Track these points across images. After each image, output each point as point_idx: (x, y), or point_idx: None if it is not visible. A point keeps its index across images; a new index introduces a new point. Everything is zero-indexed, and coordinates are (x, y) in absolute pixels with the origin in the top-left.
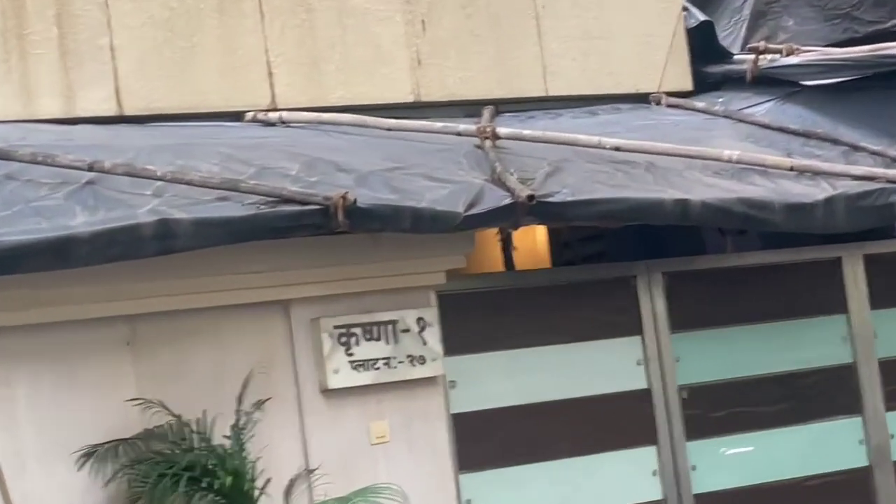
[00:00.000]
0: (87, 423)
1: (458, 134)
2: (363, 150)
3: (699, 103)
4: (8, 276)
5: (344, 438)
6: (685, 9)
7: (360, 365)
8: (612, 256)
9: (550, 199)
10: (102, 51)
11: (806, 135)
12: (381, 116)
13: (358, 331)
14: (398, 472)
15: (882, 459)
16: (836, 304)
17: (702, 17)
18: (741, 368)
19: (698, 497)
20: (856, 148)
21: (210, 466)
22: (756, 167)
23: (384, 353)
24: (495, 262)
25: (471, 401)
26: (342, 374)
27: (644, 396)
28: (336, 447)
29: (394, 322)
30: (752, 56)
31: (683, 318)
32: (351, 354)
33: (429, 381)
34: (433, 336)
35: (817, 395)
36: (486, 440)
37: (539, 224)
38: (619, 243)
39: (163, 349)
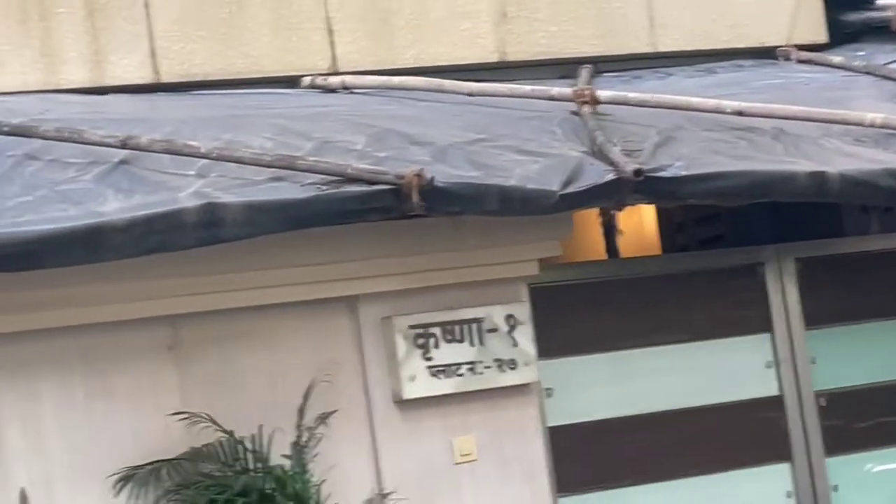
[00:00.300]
0: (125, 441)
1: (551, 98)
2: (440, 119)
3: (836, 58)
4: (31, 273)
5: (422, 457)
6: None
7: (440, 371)
8: (735, 240)
9: (661, 174)
10: (136, 8)
11: None
12: (461, 79)
13: (437, 331)
14: (486, 495)
15: None
16: None
17: None
18: (889, 371)
19: None
20: None
21: (268, 491)
22: None
23: (468, 356)
24: (596, 248)
25: (570, 412)
26: (419, 382)
27: (775, 405)
28: (413, 467)
29: (479, 320)
30: None
31: (820, 312)
32: (429, 359)
33: (521, 388)
34: (525, 336)
35: None
36: (588, 458)
37: (647, 203)
38: (742, 225)
39: (210, 354)
